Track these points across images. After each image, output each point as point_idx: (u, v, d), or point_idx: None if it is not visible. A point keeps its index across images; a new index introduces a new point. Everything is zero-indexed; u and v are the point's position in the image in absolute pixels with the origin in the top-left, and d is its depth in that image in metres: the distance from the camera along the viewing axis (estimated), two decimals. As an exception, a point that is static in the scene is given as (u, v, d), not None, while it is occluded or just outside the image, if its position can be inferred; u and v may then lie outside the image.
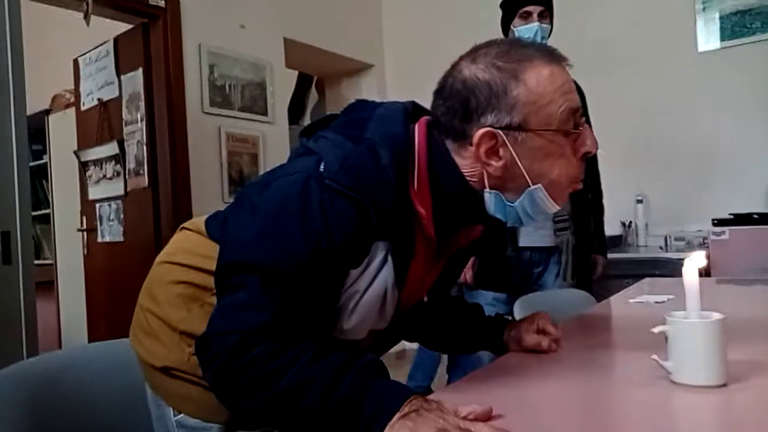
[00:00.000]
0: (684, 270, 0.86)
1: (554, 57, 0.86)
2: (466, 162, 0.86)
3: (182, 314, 0.90)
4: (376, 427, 0.69)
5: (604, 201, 2.36)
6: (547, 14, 2.12)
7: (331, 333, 0.87)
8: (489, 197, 0.87)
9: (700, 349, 0.82)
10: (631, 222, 3.34)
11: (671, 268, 2.88)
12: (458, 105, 0.85)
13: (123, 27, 3.21)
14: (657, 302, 1.57)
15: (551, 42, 2.19)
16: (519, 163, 0.83)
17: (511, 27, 2.14)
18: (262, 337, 0.76)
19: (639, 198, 3.31)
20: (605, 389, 0.87)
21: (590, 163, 2.25)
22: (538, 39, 2.08)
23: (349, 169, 0.81)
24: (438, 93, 0.89)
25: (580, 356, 1.06)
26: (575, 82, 2.37)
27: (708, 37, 3.33)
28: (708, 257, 3.06)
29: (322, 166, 0.82)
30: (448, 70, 0.89)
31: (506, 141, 0.82)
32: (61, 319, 4.19)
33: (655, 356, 0.86)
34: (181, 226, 1.03)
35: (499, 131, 0.82)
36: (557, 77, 0.84)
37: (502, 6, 2.20)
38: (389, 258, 0.84)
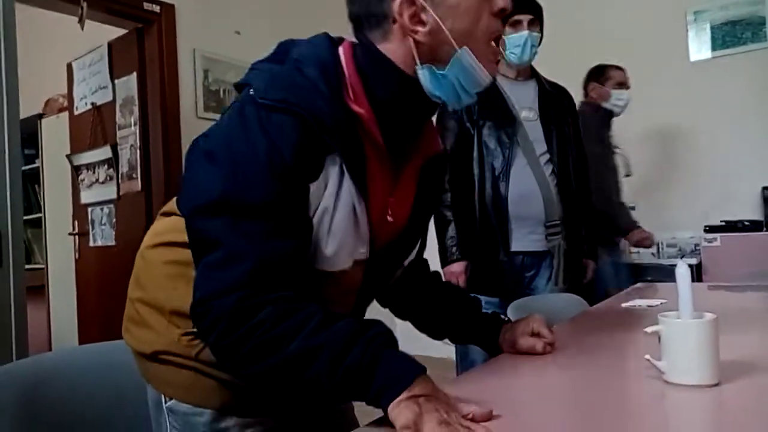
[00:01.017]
0: (677, 271, 0.87)
1: None
2: (393, 45, 0.86)
3: (169, 293, 0.89)
4: (383, 400, 0.69)
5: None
6: (537, 23, 2.13)
7: (317, 267, 0.84)
8: (423, 74, 0.86)
9: (693, 349, 0.82)
10: (623, 229, 3.35)
11: (663, 274, 2.90)
12: None
13: (117, 31, 3.21)
14: (650, 306, 1.58)
15: (542, 51, 2.21)
16: (443, 25, 0.83)
17: (501, 35, 2.14)
18: (254, 287, 0.74)
19: (631, 205, 3.32)
20: (599, 389, 0.87)
21: (580, 169, 2.26)
22: (528, 47, 2.09)
23: (276, 84, 0.81)
24: None
25: (573, 358, 1.07)
26: (565, 91, 2.36)
27: (700, 47, 3.37)
28: (700, 263, 3.09)
29: (251, 91, 0.82)
30: None
31: (425, 5, 0.83)
32: (52, 324, 4.17)
33: (648, 356, 0.86)
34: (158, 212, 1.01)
35: None
36: None
37: None
38: (344, 170, 0.83)
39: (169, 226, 0.93)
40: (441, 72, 0.85)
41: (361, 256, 0.89)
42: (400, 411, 0.68)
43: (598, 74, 2.87)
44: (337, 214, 0.83)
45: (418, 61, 0.85)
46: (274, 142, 0.77)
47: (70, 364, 1.03)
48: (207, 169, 0.80)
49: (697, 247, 3.14)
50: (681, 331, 0.84)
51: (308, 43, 0.88)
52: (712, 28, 3.33)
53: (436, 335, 1.19)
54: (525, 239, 2.04)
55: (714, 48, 3.33)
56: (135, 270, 0.96)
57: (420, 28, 0.84)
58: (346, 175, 0.83)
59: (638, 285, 2.15)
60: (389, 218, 0.92)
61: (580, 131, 2.28)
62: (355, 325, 0.74)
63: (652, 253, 3.15)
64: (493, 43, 0.88)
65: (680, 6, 3.35)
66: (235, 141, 0.79)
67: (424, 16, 0.83)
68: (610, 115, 2.85)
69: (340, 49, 0.88)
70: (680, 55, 3.37)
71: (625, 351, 1.14)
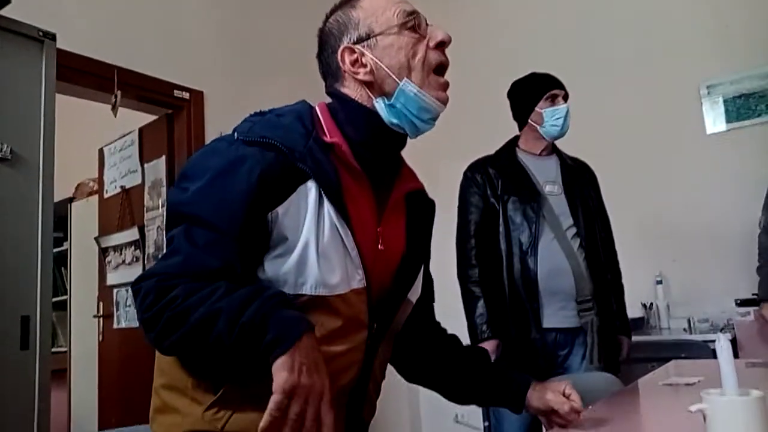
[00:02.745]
0: (717, 346, 0.84)
1: None
2: (350, 90, 1.01)
3: (186, 371, 0.91)
4: (277, 351, 0.74)
5: (623, 282, 2.34)
6: (567, 97, 2.20)
7: (315, 293, 0.89)
8: (378, 106, 0.99)
9: (741, 428, 0.79)
10: (652, 303, 3.28)
11: (697, 351, 2.80)
12: (327, 49, 1.04)
13: (148, 117, 3.35)
14: (687, 384, 1.52)
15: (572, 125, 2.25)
16: (380, 63, 0.98)
17: (536, 109, 2.17)
18: (179, 277, 0.82)
19: (659, 279, 3.27)
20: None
21: (607, 242, 2.24)
22: (568, 120, 2.14)
23: (258, 126, 0.94)
24: (317, 57, 1.07)
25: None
26: (587, 166, 2.39)
27: (715, 120, 3.41)
28: (734, 339, 2.99)
29: (235, 134, 0.94)
30: (317, 41, 1.07)
31: (363, 51, 0.98)
32: (72, 409, 4.11)
33: (697, 438, 0.83)
34: None
35: (355, 45, 0.99)
36: None
37: (522, 92, 2.25)
38: (323, 195, 0.90)
39: None
40: (390, 102, 0.98)
41: (359, 284, 0.94)
42: (282, 374, 0.73)
43: None
44: (323, 239, 0.89)
45: (371, 96, 0.99)
46: (233, 168, 0.88)
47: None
48: (175, 187, 0.93)
49: (730, 322, 3.05)
50: (727, 408, 0.81)
51: (289, 105, 1.03)
52: (725, 101, 3.38)
53: (464, 400, 1.21)
54: (557, 315, 2.01)
55: (729, 120, 3.37)
56: (156, 359, 0.99)
57: (361, 70, 0.99)
58: (325, 199, 0.90)
59: (672, 362, 2.08)
60: (380, 246, 0.99)
61: (603, 204, 2.28)
62: (253, 289, 0.80)
63: (684, 329, 3.07)
64: (439, 77, 1.01)
65: (694, 81, 3.42)
66: (201, 164, 0.91)
67: (363, 59, 0.99)
68: None
69: (317, 107, 1.04)
70: (697, 128, 3.40)
71: (669, 431, 1.09)
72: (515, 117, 2.29)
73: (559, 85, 2.20)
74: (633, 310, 2.92)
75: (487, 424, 2.35)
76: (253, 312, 0.76)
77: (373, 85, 0.99)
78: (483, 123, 3.54)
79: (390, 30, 0.98)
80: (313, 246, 0.88)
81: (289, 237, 0.88)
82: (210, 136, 3.22)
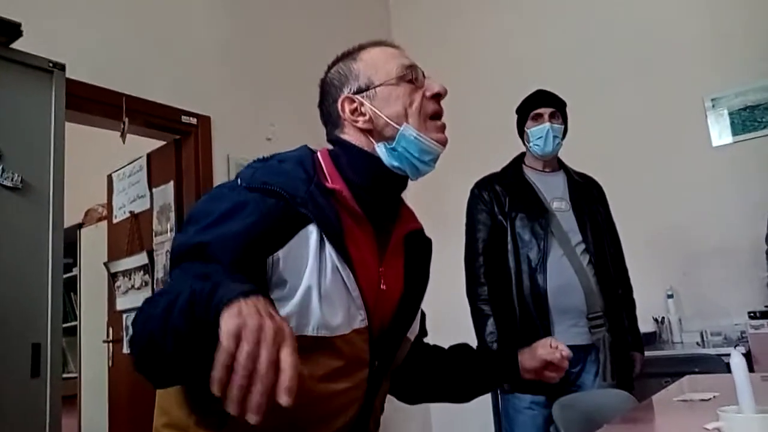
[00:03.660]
0: (732, 362, 0.84)
1: (380, 42, 1.10)
2: (351, 136, 1.05)
3: (187, 407, 0.91)
4: (223, 307, 0.66)
5: (634, 297, 2.32)
6: (558, 115, 2.20)
7: (317, 333, 0.89)
8: (380, 150, 1.04)
9: (761, 447, 0.78)
10: (663, 318, 3.25)
11: (711, 365, 2.77)
12: (328, 98, 1.09)
13: (155, 143, 3.38)
14: (702, 400, 1.50)
15: (569, 142, 2.26)
16: (379, 112, 1.03)
17: (525, 129, 2.23)
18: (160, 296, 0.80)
19: (669, 293, 3.25)
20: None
21: (617, 258, 2.24)
22: (550, 139, 2.15)
23: (260, 173, 0.96)
24: (318, 106, 1.12)
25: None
26: (594, 181, 2.40)
27: (720, 132, 3.40)
28: (748, 352, 2.95)
29: (238, 180, 0.97)
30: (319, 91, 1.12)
31: (362, 100, 1.04)
32: (82, 434, 4.10)
33: (714, 456, 0.82)
34: None
35: (354, 95, 1.04)
36: (386, 50, 1.08)
37: (517, 111, 2.29)
38: (325, 238, 0.92)
39: None
40: (391, 146, 1.03)
41: (360, 324, 0.95)
42: (226, 321, 0.64)
43: None
44: (325, 281, 0.91)
45: (372, 141, 1.04)
46: (231, 211, 0.89)
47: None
48: (180, 232, 0.94)
49: (744, 335, 3.02)
50: (745, 426, 0.80)
51: (290, 150, 1.06)
52: (730, 113, 3.38)
53: (467, 397, 1.24)
54: (568, 332, 2.00)
55: (735, 132, 3.36)
56: (157, 399, 1.00)
57: (360, 118, 1.04)
58: (326, 242, 0.92)
59: (686, 378, 2.05)
60: (383, 287, 1.02)
61: (612, 219, 2.28)
62: (205, 274, 0.78)
63: (697, 343, 3.04)
64: (436, 121, 1.06)
65: (698, 94, 3.42)
66: (204, 209, 0.93)
67: (362, 109, 1.04)
68: None
69: (318, 152, 1.06)
70: (703, 141, 3.40)
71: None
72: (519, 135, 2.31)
73: (544, 103, 2.20)
74: (644, 325, 2.90)
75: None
76: (204, 285, 0.73)
77: (372, 132, 1.04)
78: (492, 136, 3.56)
79: (389, 81, 1.04)
80: (316, 289, 0.90)
81: (289, 281, 0.89)
82: (217, 159, 3.25)
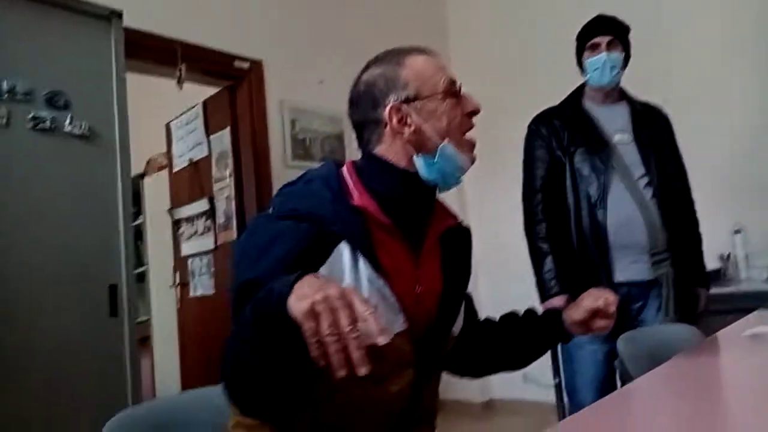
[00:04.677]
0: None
1: (423, 50, 1.09)
2: (386, 145, 1.06)
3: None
4: (286, 301, 0.73)
5: (700, 231, 2.25)
6: (617, 43, 2.09)
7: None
8: (418, 162, 1.05)
9: None
10: (729, 254, 3.15)
11: (780, 302, 2.68)
12: (367, 100, 1.06)
13: (210, 90, 3.42)
14: (776, 334, 1.46)
15: (632, 73, 2.15)
16: (424, 125, 1.03)
17: (582, 59, 2.13)
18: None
19: (737, 229, 3.13)
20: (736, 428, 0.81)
21: (683, 191, 2.16)
22: (608, 69, 2.05)
23: (289, 199, 1.01)
24: (351, 104, 1.11)
25: (699, 392, 1.00)
26: (660, 111, 2.29)
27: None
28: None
29: (271, 211, 1.02)
30: (351, 87, 1.11)
31: (409, 110, 1.03)
32: (156, 374, 4.35)
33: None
34: None
35: (402, 104, 1.03)
36: (431, 60, 1.08)
37: (576, 39, 2.19)
38: (358, 254, 0.95)
39: None
40: (432, 161, 1.04)
41: (401, 327, 0.99)
42: (295, 306, 0.72)
43: None
44: (363, 293, 0.93)
45: (414, 153, 1.05)
46: (276, 240, 0.93)
47: (191, 405, 1.09)
48: (233, 279, 0.96)
49: (816, 271, 2.90)
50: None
51: (317, 168, 1.08)
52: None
53: (522, 364, 1.26)
54: (629, 269, 1.96)
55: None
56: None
57: (406, 129, 1.04)
58: (360, 256, 0.96)
59: (756, 312, 2.00)
60: (418, 290, 1.04)
61: (678, 151, 2.19)
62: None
63: (765, 280, 2.94)
64: (470, 139, 1.08)
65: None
66: (246, 247, 0.98)
67: (409, 120, 1.04)
68: None
69: (344, 167, 1.08)
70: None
71: (758, 382, 1.06)
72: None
73: (602, 30, 2.09)
74: (709, 262, 2.82)
75: (558, 380, 2.34)
76: (264, 291, 0.80)
77: (412, 143, 1.05)
78: (549, 75, 3.44)
79: (436, 95, 1.04)
80: None
81: None
82: (270, 104, 3.27)
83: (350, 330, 0.69)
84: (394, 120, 1.04)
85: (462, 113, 1.07)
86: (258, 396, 0.88)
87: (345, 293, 0.72)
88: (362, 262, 0.96)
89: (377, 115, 1.05)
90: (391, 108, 1.03)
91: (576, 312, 1.18)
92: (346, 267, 0.95)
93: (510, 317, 1.27)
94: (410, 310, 1.01)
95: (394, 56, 1.07)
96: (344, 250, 0.96)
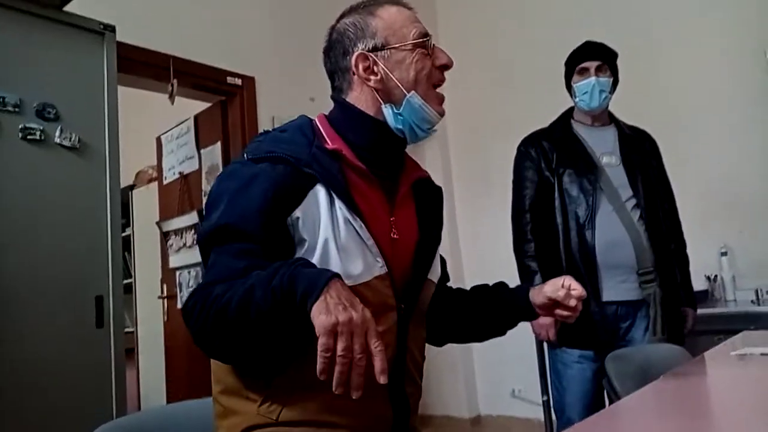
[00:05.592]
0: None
1: (398, 1, 1.11)
2: (356, 93, 1.08)
3: (237, 373, 0.98)
4: (310, 301, 0.78)
5: (687, 253, 2.27)
6: (605, 68, 2.12)
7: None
8: (386, 111, 1.06)
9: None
10: (716, 276, 3.18)
11: (767, 323, 2.70)
12: (338, 48, 1.09)
13: (202, 105, 3.42)
14: (764, 354, 1.47)
15: (620, 97, 2.18)
16: (391, 74, 1.05)
17: (571, 83, 2.16)
18: (216, 283, 0.88)
19: (723, 251, 3.17)
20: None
21: (670, 213, 2.18)
22: (597, 93, 2.09)
23: (264, 143, 1.02)
24: (324, 52, 1.14)
25: (689, 410, 1.00)
26: (647, 134, 2.31)
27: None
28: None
29: (245, 155, 1.02)
30: (326, 36, 1.14)
31: (376, 59, 1.05)
32: (141, 387, 4.30)
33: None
34: None
35: (369, 53, 1.05)
36: (403, 12, 1.09)
37: (565, 64, 2.23)
38: (334, 196, 0.97)
39: None
40: (398, 111, 1.06)
41: (380, 271, 1.00)
42: (320, 318, 0.75)
43: None
44: (340, 235, 0.96)
45: (381, 102, 1.06)
46: (252, 182, 0.95)
47: (176, 416, 1.08)
48: (204, 220, 1.00)
49: (801, 293, 2.93)
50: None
51: (290, 121, 1.11)
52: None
53: (485, 334, 1.25)
54: (617, 288, 1.98)
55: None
56: (212, 369, 1.05)
57: (372, 77, 1.06)
58: (335, 198, 0.97)
59: (742, 333, 2.01)
60: (394, 236, 1.06)
61: (665, 174, 2.22)
62: (278, 264, 0.85)
63: (752, 301, 2.96)
64: (438, 92, 1.10)
65: (758, 43, 3.25)
66: (220, 190, 0.99)
67: (375, 68, 1.05)
68: None
69: (316, 118, 1.11)
70: (762, 91, 3.25)
71: (747, 401, 1.06)
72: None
73: (591, 56, 2.12)
74: (696, 283, 2.84)
75: (546, 398, 2.34)
76: (281, 276, 0.81)
77: (380, 92, 1.06)
78: (537, 97, 3.48)
79: (405, 46, 1.05)
80: (333, 242, 0.95)
81: (308, 238, 0.95)
82: (262, 119, 3.27)
83: (360, 358, 0.75)
84: (360, 68, 1.05)
85: (432, 66, 1.08)
86: (240, 354, 0.91)
87: (366, 321, 0.77)
88: (338, 204, 0.97)
89: (347, 62, 1.07)
90: (358, 56, 1.05)
91: (537, 296, 1.15)
92: (322, 208, 0.96)
93: (480, 288, 1.26)
94: (388, 254, 1.02)
95: (368, 6, 1.10)
96: (320, 191, 0.97)
